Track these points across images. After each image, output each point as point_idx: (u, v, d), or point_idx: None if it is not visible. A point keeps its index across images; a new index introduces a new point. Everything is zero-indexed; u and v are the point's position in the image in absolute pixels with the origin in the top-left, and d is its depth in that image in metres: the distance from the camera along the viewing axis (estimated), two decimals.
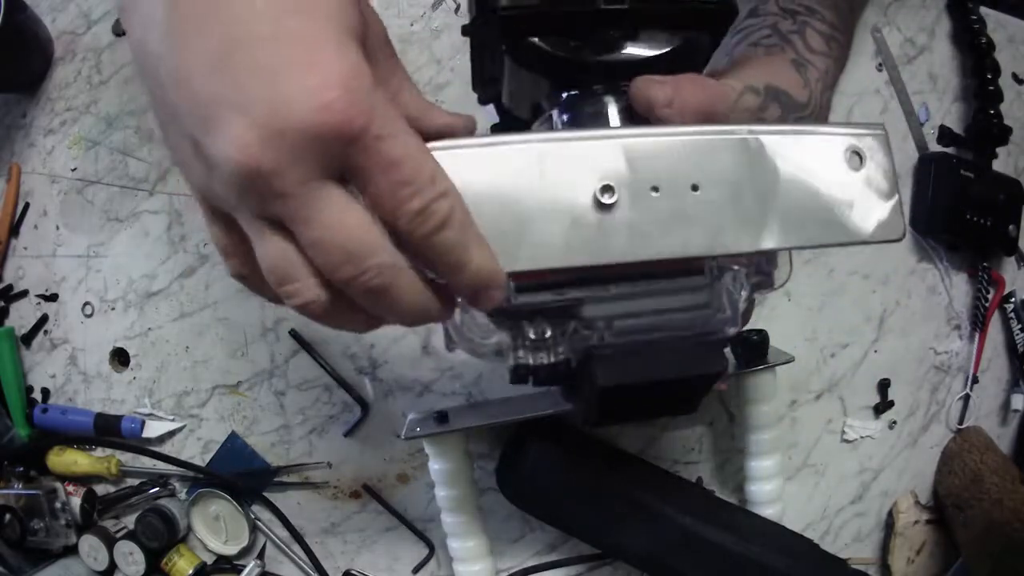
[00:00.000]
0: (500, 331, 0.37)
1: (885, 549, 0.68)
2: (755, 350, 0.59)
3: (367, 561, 0.64)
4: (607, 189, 0.32)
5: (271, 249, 0.27)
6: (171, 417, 0.65)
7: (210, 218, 0.30)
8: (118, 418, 0.64)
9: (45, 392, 0.67)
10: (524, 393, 0.61)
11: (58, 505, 0.64)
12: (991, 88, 0.68)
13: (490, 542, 0.62)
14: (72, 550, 0.64)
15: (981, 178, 0.67)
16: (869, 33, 0.67)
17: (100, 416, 0.65)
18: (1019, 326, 0.70)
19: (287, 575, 0.65)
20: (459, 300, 0.35)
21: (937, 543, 0.69)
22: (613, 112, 0.39)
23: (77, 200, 0.66)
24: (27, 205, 0.67)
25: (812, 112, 0.43)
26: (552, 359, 0.37)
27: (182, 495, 0.65)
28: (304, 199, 0.26)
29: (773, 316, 0.65)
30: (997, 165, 0.69)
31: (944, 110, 0.70)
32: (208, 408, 0.64)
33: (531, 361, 0.37)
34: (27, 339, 0.67)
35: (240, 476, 0.63)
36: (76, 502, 0.64)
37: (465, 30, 0.42)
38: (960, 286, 0.70)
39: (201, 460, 0.64)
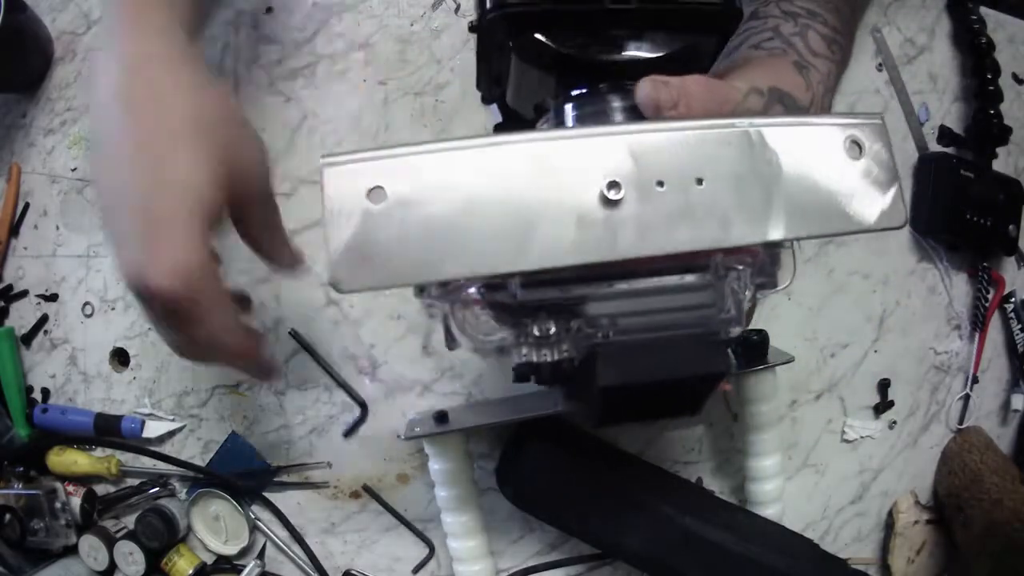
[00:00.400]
0: (503, 328, 0.37)
1: (885, 549, 0.68)
2: (755, 350, 0.59)
3: (367, 561, 0.64)
4: (613, 185, 0.32)
5: (178, 336, 0.43)
6: (171, 417, 0.65)
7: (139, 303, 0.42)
8: (118, 418, 0.64)
9: (45, 392, 0.67)
10: (524, 393, 0.61)
11: (58, 505, 0.64)
12: (991, 88, 0.68)
13: (490, 542, 0.62)
14: (72, 550, 0.64)
15: (981, 178, 0.67)
16: (869, 33, 0.67)
17: (100, 416, 0.65)
18: (1019, 326, 0.70)
19: (287, 575, 0.65)
20: (464, 293, 0.36)
21: (937, 543, 0.69)
22: (618, 110, 0.39)
23: (77, 200, 0.66)
24: (27, 205, 0.67)
25: (813, 114, 0.44)
26: (556, 357, 0.37)
27: (182, 495, 0.65)
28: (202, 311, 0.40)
29: (773, 316, 0.65)
30: (997, 165, 0.69)
31: (944, 110, 0.70)
32: (208, 408, 0.64)
33: (534, 359, 0.37)
34: (27, 339, 0.67)
35: (240, 476, 0.63)
36: (76, 502, 0.64)
37: (472, 27, 0.42)
38: (960, 286, 0.70)
39: (201, 460, 0.64)
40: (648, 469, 0.61)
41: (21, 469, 0.65)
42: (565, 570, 0.64)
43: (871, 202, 0.35)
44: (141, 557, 0.62)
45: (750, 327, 0.54)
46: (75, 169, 0.66)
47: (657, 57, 0.39)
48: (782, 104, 0.42)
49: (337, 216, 0.32)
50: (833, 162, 0.35)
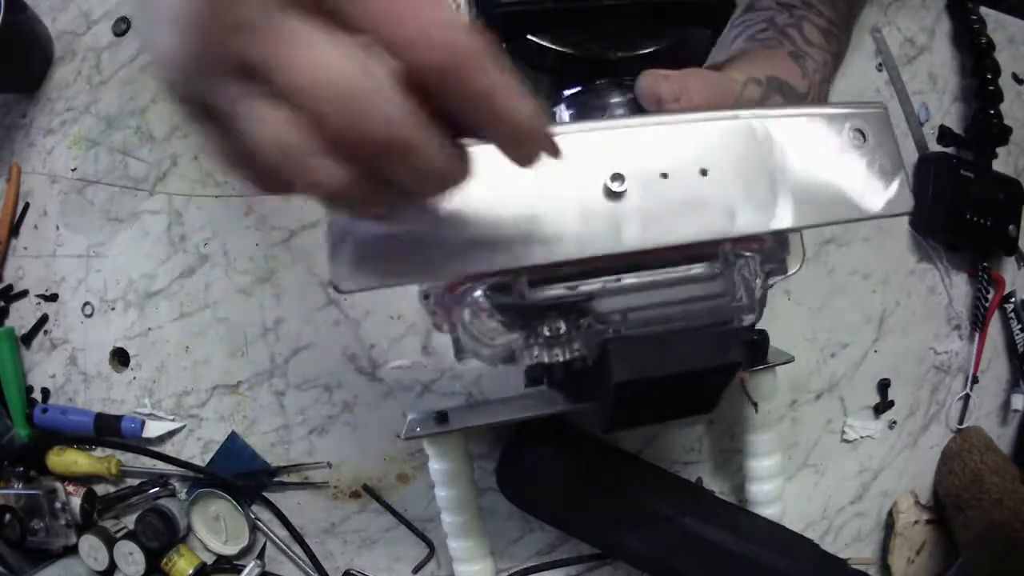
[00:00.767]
0: (512, 332, 0.37)
1: (885, 549, 0.68)
2: (755, 350, 0.59)
3: (367, 561, 0.64)
4: (617, 177, 0.32)
5: (260, 124, 0.22)
6: (171, 417, 0.65)
7: (192, 115, 0.24)
8: (118, 418, 0.64)
9: (45, 392, 0.67)
10: (524, 393, 0.61)
11: (58, 505, 0.64)
12: (991, 88, 0.68)
13: (490, 542, 0.61)
14: (72, 550, 0.64)
15: (981, 178, 0.67)
16: (869, 33, 0.67)
17: (100, 416, 0.65)
18: (1019, 326, 0.70)
19: (287, 575, 0.65)
20: (470, 297, 0.35)
21: (937, 543, 0.69)
22: (616, 106, 0.39)
23: (77, 200, 0.66)
24: (27, 205, 0.67)
25: (812, 102, 0.44)
26: (567, 356, 0.37)
27: (182, 495, 0.65)
28: (275, 29, 0.21)
29: (773, 316, 0.65)
30: (997, 165, 0.69)
31: (944, 110, 0.70)
32: (208, 408, 0.64)
33: (546, 359, 0.37)
34: (27, 339, 0.67)
35: (240, 476, 0.63)
36: (76, 502, 0.64)
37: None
38: (960, 286, 0.70)
39: (201, 460, 0.64)
40: (648, 469, 0.61)
41: (21, 469, 0.65)
42: (565, 570, 0.64)
43: (877, 189, 0.35)
44: (141, 557, 0.62)
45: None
46: (75, 169, 0.66)
47: (653, 52, 0.39)
48: (780, 93, 0.42)
49: (336, 219, 0.31)
50: (837, 150, 0.35)
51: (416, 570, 0.64)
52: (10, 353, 0.66)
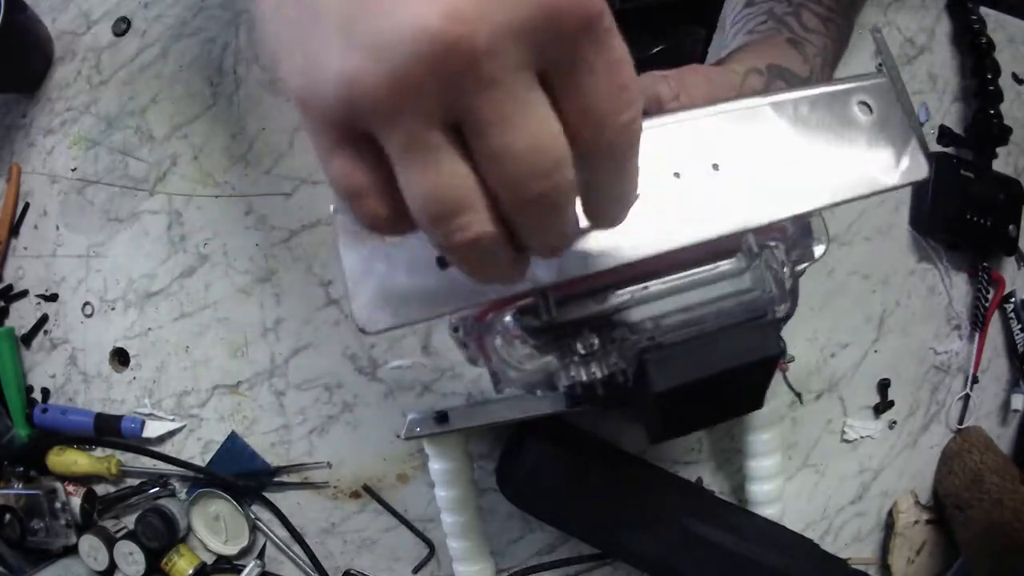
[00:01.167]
0: (545, 355, 0.36)
1: (885, 549, 0.68)
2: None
3: (367, 561, 0.64)
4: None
5: (441, 172, 0.21)
6: (171, 417, 0.65)
7: (335, 146, 0.23)
8: (118, 418, 0.64)
9: (45, 392, 0.67)
10: (524, 393, 0.61)
11: (58, 505, 0.64)
12: (991, 88, 0.68)
13: (490, 542, 0.62)
14: (72, 550, 0.64)
15: (981, 178, 0.67)
16: (869, 33, 0.67)
17: (100, 416, 0.65)
18: (1019, 326, 0.70)
19: (287, 575, 0.65)
20: (500, 325, 0.35)
21: (937, 543, 0.69)
22: None
23: (77, 200, 0.66)
24: (27, 205, 0.67)
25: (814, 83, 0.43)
26: (605, 371, 0.36)
27: (182, 495, 0.65)
28: (513, 90, 0.20)
29: None
30: (997, 165, 0.69)
31: (944, 110, 0.70)
32: (208, 408, 0.64)
33: (584, 377, 0.36)
34: (27, 339, 0.67)
35: (240, 476, 0.63)
36: (76, 502, 0.64)
37: None
38: (960, 286, 0.70)
39: (201, 460, 0.64)
40: (648, 469, 0.61)
41: (21, 469, 0.65)
42: (565, 570, 0.64)
43: (891, 159, 0.35)
44: (141, 557, 0.62)
45: None
46: (75, 169, 0.66)
47: (651, 55, 0.38)
48: (782, 79, 0.41)
49: (353, 260, 0.30)
50: (845, 126, 0.34)
51: (416, 570, 0.64)
52: (10, 353, 0.66)
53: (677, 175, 0.33)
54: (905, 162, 0.35)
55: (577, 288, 0.35)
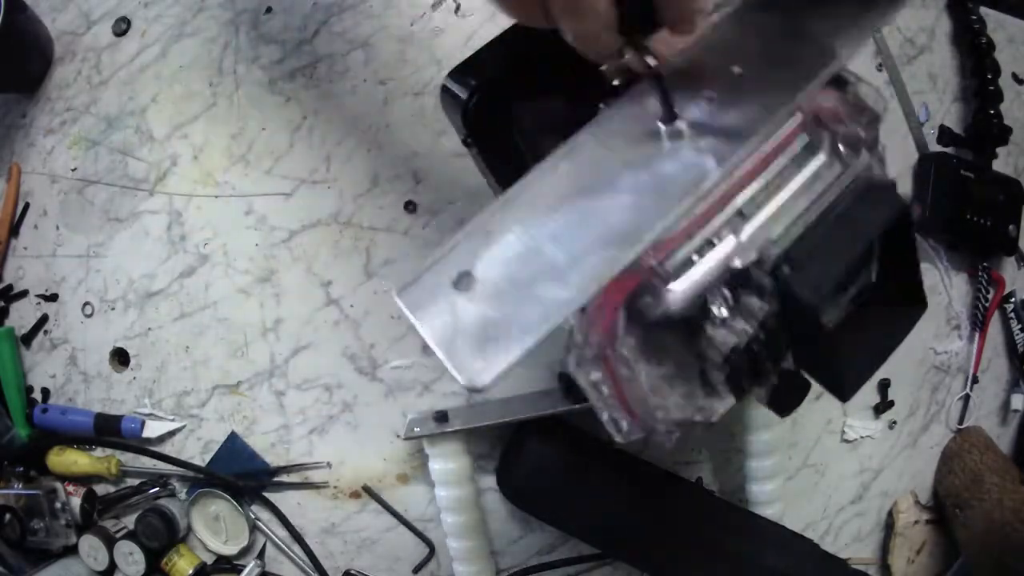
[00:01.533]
0: (690, 348, 0.34)
1: (885, 549, 0.68)
2: None
3: (367, 561, 0.64)
4: (670, 119, 0.32)
5: None
6: (171, 417, 0.65)
7: None
8: (118, 418, 0.64)
9: (45, 392, 0.67)
10: (524, 393, 0.61)
11: (58, 505, 0.64)
12: (991, 88, 0.68)
13: (490, 542, 0.62)
14: (72, 550, 0.64)
15: (981, 178, 0.67)
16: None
17: (100, 416, 0.65)
18: (1019, 326, 0.70)
19: (287, 575, 0.65)
20: (617, 337, 0.33)
21: (937, 543, 0.69)
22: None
23: (77, 200, 0.66)
24: (27, 205, 0.67)
25: None
26: (754, 322, 0.33)
27: (182, 495, 0.65)
28: None
29: None
30: (997, 165, 0.69)
31: (944, 110, 0.70)
32: (208, 408, 0.64)
33: (736, 339, 0.33)
34: (27, 339, 0.67)
35: (240, 476, 0.63)
36: (76, 502, 0.64)
37: (466, 141, 0.41)
38: (960, 286, 0.70)
39: (201, 460, 0.64)
40: (648, 469, 0.61)
41: (21, 469, 0.65)
42: (565, 570, 0.64)
43: None
44: (141, 557, 0.62)
45: None
46: (75, 169, 0.66)
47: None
48: None
49: (432, 328, 0.29)
50: None
51: (416, 570, 0.64)
52: (10, 353, 0.66)
53: (710, 99, 0.33)
54: None
55: (679, 247, 0.33)
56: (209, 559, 0.65)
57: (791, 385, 0.38)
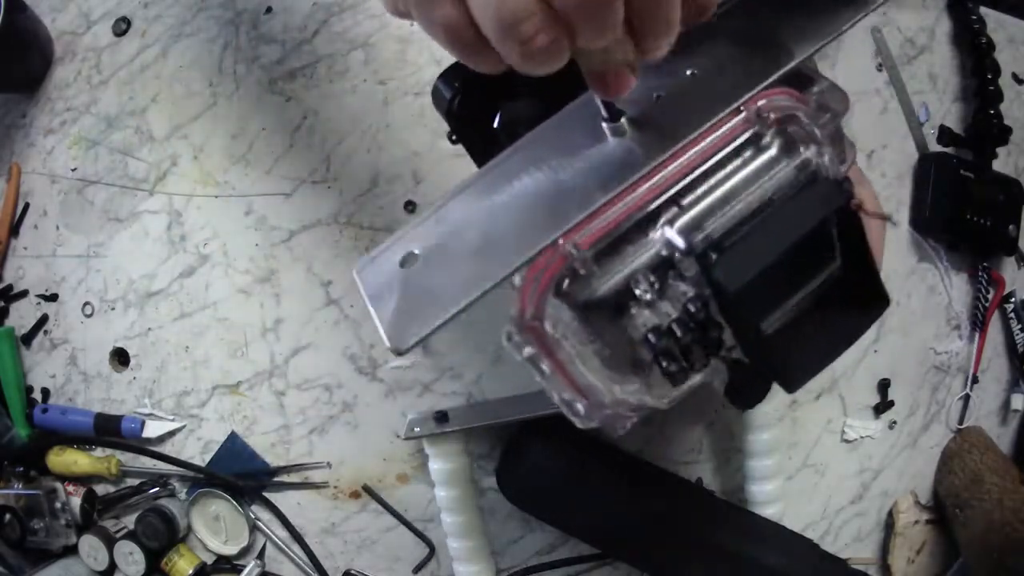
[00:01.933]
0: (610, 328, 0.34)
1: (885, 549, 0.68)
2: None
3: (367, 561, 0.64)
4: (613, 117, 0.32)
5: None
6: (171, 417, 0.65)
7: None
8: (118, 418, 0.64)
9: (45, 392, 0.67)
10: (524, 393, 0.61)
11: (58, 505, 0.64)
12: (991, 88, 0.68)
13: (490, 542, 0.62)
14: (72, 550, 0.64)
15: (981, 178, 0.67)
16: (869, 33, 0.67)
17: (100, 416, 0.65)
18: (1019, 326, 0.70)
19: (287, 575, 0.65)
20: (547, 319, 0.34)
21: (937, 543, 0.69)
22: None
23: (77, 200, 0.66)
24: (27, 205, 0.67)
25: None
26: (678, 305, 0.33)
27: (182, 495, 0.65)
28: None
29: None
30: (997, 165, 0.69)
31: (944, 110, 0.70)
32: (208, 408, 0.64)
33: (658, 320, 0.34)
34: (27, 339, 0.67)
35: (240, 476, 0.63)
36: (76, 502, 0.64)
37: (451, 137, 0.43)
38: (960, 286, 0.70)
39: (201, 460, 0.64)
40: (648, 469, 0.61)
41: (21, 469, 0.65)
42: (565, 570, 0.64)
43: None
44: (141, 557, 0.62)
45: None
46: (75, 169, 0.66)
47: None
48: None
49: (377, 299, 0.33)
50: None
51: (416, 570, 0.64)
52: (10, 353, 0.66)
53: (658, 96, 0.33)
54: None
55: (608, 234, 0.34)
56: (209, 559, 0.65)
57: (749, 379, 0.37)
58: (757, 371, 0.37)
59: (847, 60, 0.66)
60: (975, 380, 0.70)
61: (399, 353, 0.31)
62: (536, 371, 0.36)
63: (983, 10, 0.69)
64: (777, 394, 0.60)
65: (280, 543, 0.64)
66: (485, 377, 0.62)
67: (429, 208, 0.33)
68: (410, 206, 0.61)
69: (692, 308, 0.34)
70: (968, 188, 0.66)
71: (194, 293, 0.63)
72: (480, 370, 0.62)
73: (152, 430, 0.64)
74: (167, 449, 0.65)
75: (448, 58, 0.32)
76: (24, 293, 0.67)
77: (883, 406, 0.68)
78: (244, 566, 0.63)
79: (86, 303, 0.66)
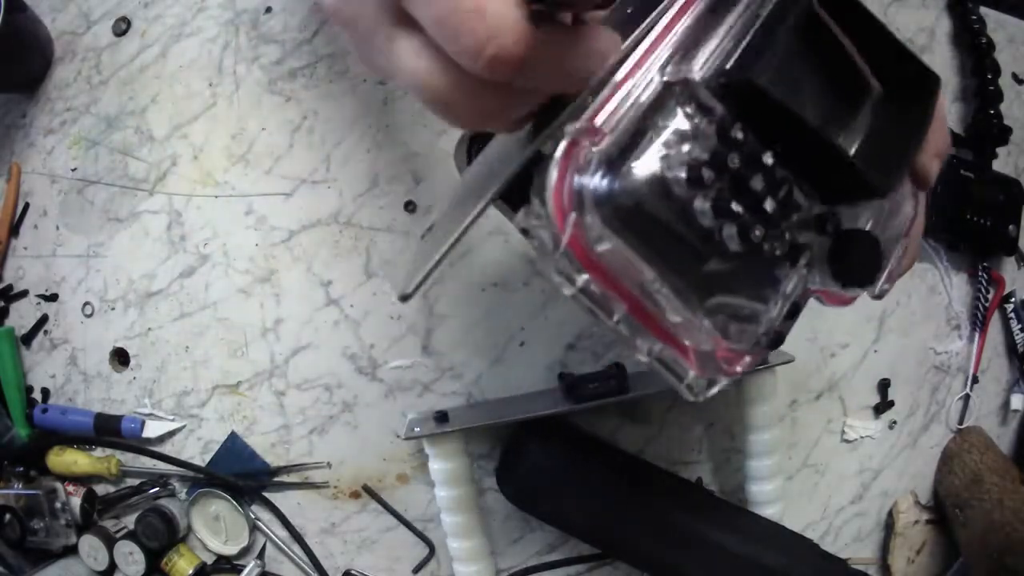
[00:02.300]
0: (668, 236, 0.28)
1: (885, 549, 0.68)
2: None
3: (367, 561, 0.64)
4: None
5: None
6: (171, 417, 0.65)
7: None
8: (118, 418, 0.64)
9: (45, 392, 0.67)
10: (524, 393, 0.61)
11: (58, 505, 0.64)
12: (991, 88, 0.68)
13: (490, 542, 0.62)
14: (72, 550, 0.64)
15: (981, 178, 0.67)
16: None
17: (100, 416, 0.65)
18: (1019, 326, 0.70)
19: (287, 575, 0.65)
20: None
21: (937, 543, 0.69)
22: None
23: (77, 200, 0.66)
24: (27, 205, 0.67)
25: None
26: (701, 137, 0.28)
27: (182, 495, 0.65)
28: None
29: None
30: (997, 165, 0.69)
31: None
32: (208, 408, 0.64)
33: (687, 156, 0.28)
34: (27, 339, 0.67)
35: (240, 476, 0.63)
36: (76, 502, 0.64)
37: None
38: (960, 286, 0.70)
39: (201, 460, 0.64)
40: (648, 469, 0.61)
41: (21, 469, 0.65)
42: (565, 570, 0.64)
43: None
44: (141, 557, 0.62)
45: None
46: (75, 169, 0.66)
47: None
48: None
49: (401, 271, 0.35)
50: None
51: (416, 570, 0.64)
52: (10, 353, 0.66)
53: None
54: None
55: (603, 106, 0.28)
56: (209, 559, 0.65)
57: (845, 240, 0.32)
58: (862, 233, 0.32)
59: None
60: (975, 380, 0.70)
61: (404, 297, 0.30)
62: (601, 314, 0.29)
63: (983, 10, 0.69)
64: (777, 394, 0.60)
65: (280, 543, 0.64)
66: (485, 377, 0.62)
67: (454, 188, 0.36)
68: (410, 206, 0.61)
69: (727, 127, 0.29)
70: (968, 188, 0.66)
71: (194, 293, 0.63)
72: (480, 370, 0.62)
73: (152, 430, 0.64)
74: (167, 449, 0.65)
75: None
76: (24, 293, 0.67)
77: (883, 406, 0.68)
78: (244, 566, 0.63)
79: (86, 303, 0.66)
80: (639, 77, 0.29)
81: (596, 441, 0.62)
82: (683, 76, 0.29)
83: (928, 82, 0.34)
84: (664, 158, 0.28)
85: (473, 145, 0.46)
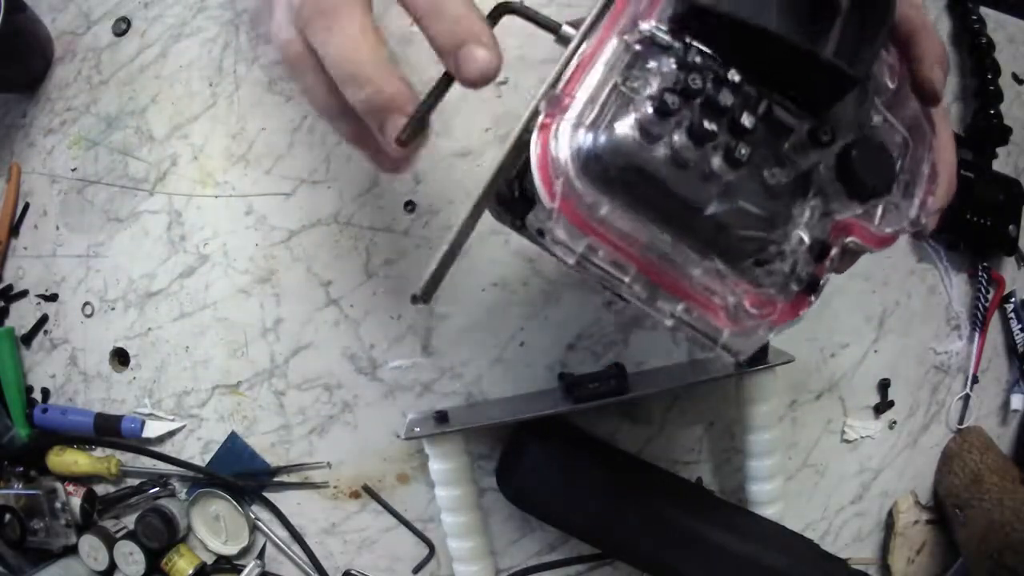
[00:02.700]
0: (657, 191, 0.28)
1: (885, 549, 0.68)
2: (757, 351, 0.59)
3: (367, 561, 0.64)
4: None
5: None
6: (171, 417, 0.65)
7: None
8: (118, 418, 0.64)
9: (45, 392, 0.67)
10: (524, 393, 0.61)
11: (58, 505, 0.64)
12: (991, 88, 0.68)
13: (490, 542, 0.62)
14: (72, 550, 0.64)
15: (981, 178, 0.67)
16: None
17: (100, 416, 0.65)
18: (1019, 326, 0.70)
19: (287, 575, 0.65)
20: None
21: (937, 543, 0.69)
22: None
23: (77, 200, 0.66)
24: (27, 205, 0.67)
25: None
26: (668, 74, 0.28)
27: (182, 495, 0.65)
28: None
29: None
30: (997, 165, 0.69)
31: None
32: (208, 408, 0.64)
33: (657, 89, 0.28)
34: (27, 339, 0.67)
35: (240, 476, 0.63)
36: (76, 502, 0.64)
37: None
38: (960, 286, 0.70)
39: (201, 460, 0.64)
40: (648, 469, 0.61)
41: (21, 469, 0.65)
42: (565, 570, 0.64)
43: None
44: (141, 557, 0.62)
45: None
46: (75, 169, 0.66)
47: None
48: None
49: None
50: None
51: (416, 570, 0.64)
52: (10, 353, 0.66)
53: None
54: None
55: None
56: (209, 559, 0.65)
57: (853, 152, 0.31)
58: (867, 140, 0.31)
59: None
60: (975, 380, 0.70)
61: (421, 301, 0.33)
62: (614, 276, 0.28)
63: (983, 10, 0.69)
64: (777, 394, 0.60)
65: (280, 543, 0.64)
66: (485, 377, 0.62)
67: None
68: (410, 206, 0.61)
69: (699, 79, 0.28)
70: (968, 188, 0.66)
71: (194, 293, 0.63)
72: (480, 370, 0.62)
73: (152, 430, 0.64)
74: (167, 449, 0.65)
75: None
76: (24, 293, 0.67)
77: (883, 406, 0.68)
78: (244, 566, 0.63)
79: (86, 303, 0.66)
80: (598, 47, 0.30)
81: (596, 441, 0.62)
82: (638, 28, 0.29)
83: None
84: (632, 104, 0.28)
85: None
